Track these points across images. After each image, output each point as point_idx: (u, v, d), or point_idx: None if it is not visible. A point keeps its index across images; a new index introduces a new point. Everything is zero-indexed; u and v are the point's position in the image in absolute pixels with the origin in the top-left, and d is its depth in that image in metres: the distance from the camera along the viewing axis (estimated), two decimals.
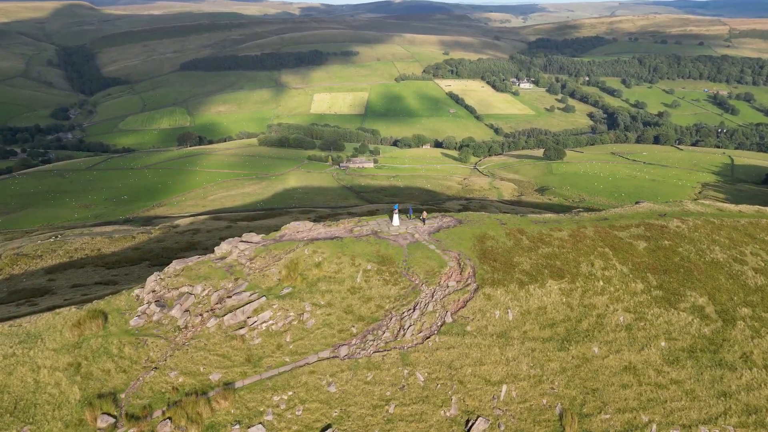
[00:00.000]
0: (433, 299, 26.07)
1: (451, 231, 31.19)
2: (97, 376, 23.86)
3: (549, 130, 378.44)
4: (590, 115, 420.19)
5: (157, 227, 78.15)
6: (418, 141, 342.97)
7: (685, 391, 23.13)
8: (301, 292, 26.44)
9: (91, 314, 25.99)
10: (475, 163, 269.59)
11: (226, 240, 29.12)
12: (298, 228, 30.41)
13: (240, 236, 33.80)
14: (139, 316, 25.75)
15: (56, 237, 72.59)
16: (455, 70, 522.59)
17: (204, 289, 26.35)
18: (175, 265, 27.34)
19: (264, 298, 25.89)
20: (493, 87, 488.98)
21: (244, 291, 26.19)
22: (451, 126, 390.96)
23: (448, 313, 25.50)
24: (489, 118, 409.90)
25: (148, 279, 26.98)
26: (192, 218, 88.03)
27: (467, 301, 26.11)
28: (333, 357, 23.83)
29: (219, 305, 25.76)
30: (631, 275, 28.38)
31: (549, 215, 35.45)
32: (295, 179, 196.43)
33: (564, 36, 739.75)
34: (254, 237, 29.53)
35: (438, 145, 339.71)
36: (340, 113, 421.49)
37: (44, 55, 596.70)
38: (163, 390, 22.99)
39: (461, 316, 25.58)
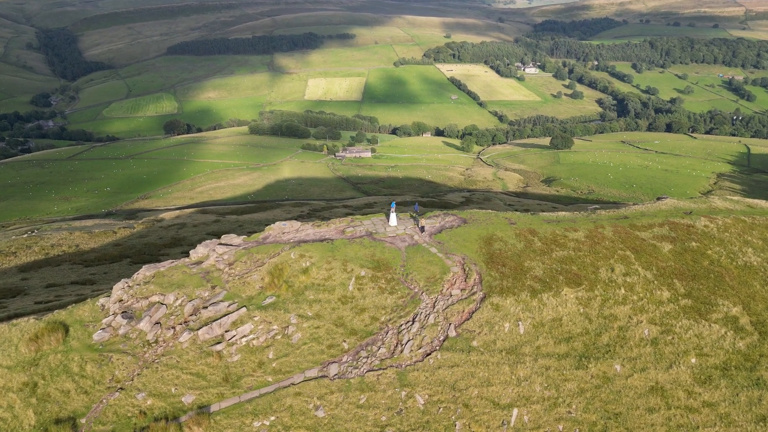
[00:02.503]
0: (435, 310, 23.22)
1: (455, 231, 28.18)
2: (55, 398, 21.32)
3: (556, 118, 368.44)
4: (599, 102, 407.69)
5: (140, 221, 75.17)
6: (418, 129, 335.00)
7: (719, 415, 20.56)
8: (286, 301, 23.62)
9: (51, 327, 23.23)
10: (479, 153, 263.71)
11: (203, 242, 26.16)
12: (284, 228, 27.41)
13: (226, 233, 30.90)
14: (103, 329, 22.94)
15: (32, 232, 69.47)
16: (457, 54, 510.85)
17: (177, 299, 23.49)
18: (145, 271, 24.42)
19: (244, 309, 23.06)
20: (497, 72, 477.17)
21: (221, 301, 23.32)
22: (453, 113, 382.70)
23: (452, 326, 22.68)
24: (493, 104, 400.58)
25: (115, 287, 24.08)
26: (178, 212, 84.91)
27: (473, 312, 23.28)
28: (321, 376, 21.20)
29: (193, 317, 22.94)
30: (655, 282, 25.47)
31: (563, 213, 32.41)
32: (288, 169, 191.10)
33: (572, 18, 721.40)
34: (234, 239, 26.57)
35: (439, 133, 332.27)
36: (336, 99, 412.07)
37: (24, 38, 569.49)
38: (129, 414, 20.64)
39: (466, 329, 22.78)
